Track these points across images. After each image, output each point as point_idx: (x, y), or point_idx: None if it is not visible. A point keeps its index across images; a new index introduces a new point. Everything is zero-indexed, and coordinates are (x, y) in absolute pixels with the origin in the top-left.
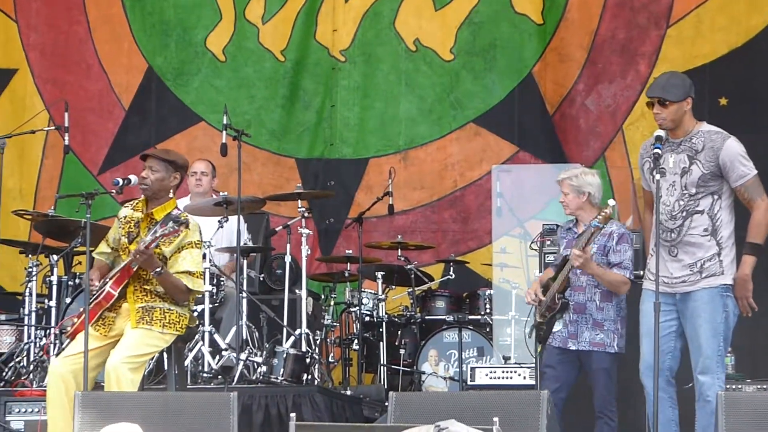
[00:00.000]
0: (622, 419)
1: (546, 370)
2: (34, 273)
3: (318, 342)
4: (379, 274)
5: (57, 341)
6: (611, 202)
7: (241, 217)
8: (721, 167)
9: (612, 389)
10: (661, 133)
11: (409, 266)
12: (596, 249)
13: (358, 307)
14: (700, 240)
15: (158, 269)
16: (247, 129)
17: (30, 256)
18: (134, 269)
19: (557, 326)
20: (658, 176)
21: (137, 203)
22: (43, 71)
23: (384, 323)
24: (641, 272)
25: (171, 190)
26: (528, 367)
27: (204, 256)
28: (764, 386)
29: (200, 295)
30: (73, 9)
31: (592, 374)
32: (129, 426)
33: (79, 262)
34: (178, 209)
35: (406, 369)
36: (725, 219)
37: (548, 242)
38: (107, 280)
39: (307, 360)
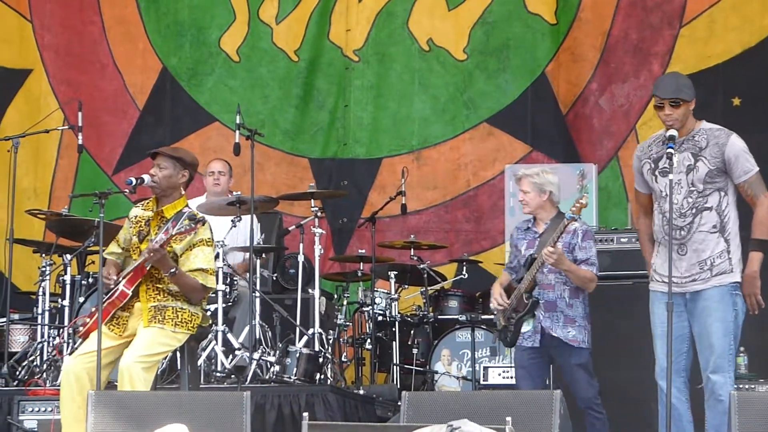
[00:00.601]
0: (624, 420)
1: (518, 372)
2: (47, 272)
3: (331, 341)
4: (392, 274)
5: (70, 340)
6: (587, 193)
7: (255, 216)
8: (725, 162)
9: (594, 383)
10: (674, 132)
11: (422, 266)
12: (560, 246)
13: (371, 307)
14: (709, 237)
15: (172, 270)
16: (260, 129)
17: (44, 255)
18: (147, 268)
19: (525, 327)
20: (671, 176)
21: (147, 203)
22: (57, 71)
23: (397, 323)
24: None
25: (180, 188)
26: None
27: (217, 256)
28: None
29: (213, 294)
30: (88, 9)
31: (570, 371)
32: (177, 426)
33: (92, 262)
34: (189, 207)
35: (418, 368)
36: (732, 216)
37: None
38: (120, 279)
39: (320, 359)
